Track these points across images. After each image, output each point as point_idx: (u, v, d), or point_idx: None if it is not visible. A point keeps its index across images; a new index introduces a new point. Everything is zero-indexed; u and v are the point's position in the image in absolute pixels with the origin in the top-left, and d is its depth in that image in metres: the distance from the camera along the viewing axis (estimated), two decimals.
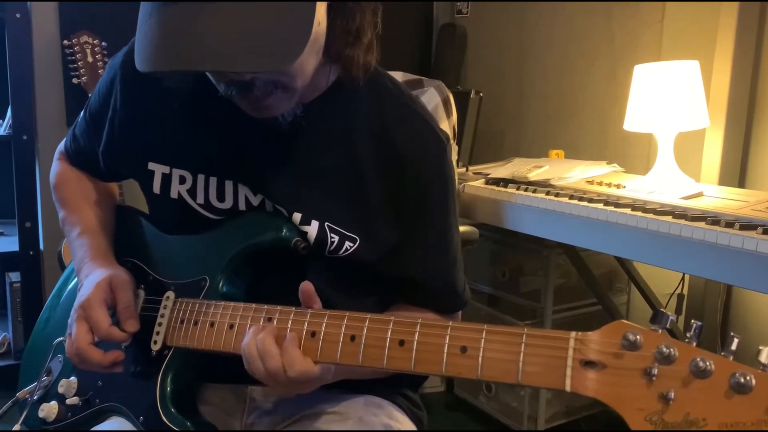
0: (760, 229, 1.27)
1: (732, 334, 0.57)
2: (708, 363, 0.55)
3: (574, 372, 0.61)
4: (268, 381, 0.80)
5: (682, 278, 1.93)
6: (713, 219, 1.36)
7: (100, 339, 0.90)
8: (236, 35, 0.71)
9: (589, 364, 0.60)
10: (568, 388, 0.61)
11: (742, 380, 0.53)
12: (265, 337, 0.79)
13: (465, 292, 1.03)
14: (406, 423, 1.01)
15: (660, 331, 0.59)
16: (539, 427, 2.15)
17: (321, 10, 0.80)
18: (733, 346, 0.56)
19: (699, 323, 0.58)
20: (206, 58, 0.71)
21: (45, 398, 1.04)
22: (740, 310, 2.00)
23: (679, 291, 1.94)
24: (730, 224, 1.32)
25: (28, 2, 2.31)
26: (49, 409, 1.01)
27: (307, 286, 0.81)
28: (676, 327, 1.88)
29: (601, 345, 0.60)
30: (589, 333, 0.61)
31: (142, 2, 0.76)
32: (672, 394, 0.55)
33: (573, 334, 0.62)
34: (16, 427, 1.03)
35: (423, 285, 0.97)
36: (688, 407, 0.55)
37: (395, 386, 1.04)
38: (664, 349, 0.57)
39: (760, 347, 0.54)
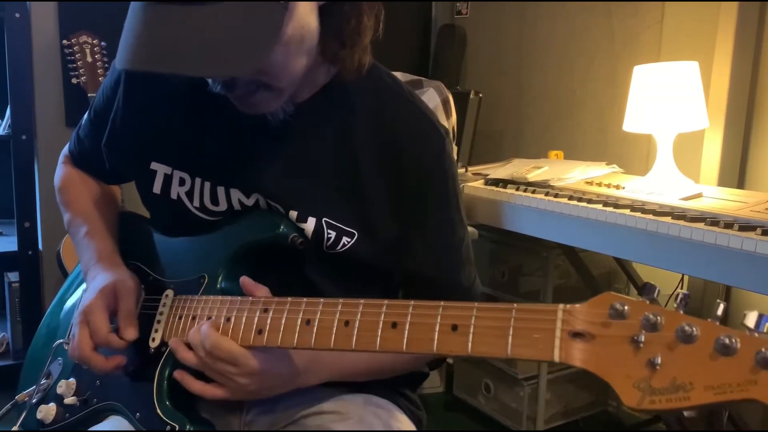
0: (759, 230, 1.27)
1: (718, 300, 0.57)
2: (693, 328, 0.55)
3: (562, 342, 0.61)
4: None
5: (681, 279, 1.93)
6: (712, 220, 1.36)
7: (98, 345, 0.91)
8: (200, 40, 0.72)
9: (577, 335, 0.61)
10: (556, 359, 0.61)
11: (727, 341, 0.53)
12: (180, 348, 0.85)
13: (474, 288, 1.02)
14: (406, 423, 1.01)
15: (648, 301, 0.59)
16: (538, 427, 2.15)
17: (308, 13, 0.80)
18: (719, 311, 0.56)
19: (686, 292, 0.58)
20: (166, 61, 0.73)
21: (44, 400, 1.04)
22: (739, 312, 2.00)
23: (678, 292, 1.94)
24: (729, 225, 1.32)
25: (28, 2, 2.31)
26: (47, 411, 1.01)
27: (244, 280, 0.85)
28: None
29: (589, 315, 0.61)
30: (577, 305, 0.62)
31: (131, 1, 0.77)
32: (659, 360, 0.56)
33: (561, 306, 0.62)
34: (14, 429, 1.03)
35: (424, 279, 0.97)
36: (675, 371, 0.55)
37: (395, 386, 1.04)
38: (651, 317, 0.57)
39: (745, 312, 0.54)
